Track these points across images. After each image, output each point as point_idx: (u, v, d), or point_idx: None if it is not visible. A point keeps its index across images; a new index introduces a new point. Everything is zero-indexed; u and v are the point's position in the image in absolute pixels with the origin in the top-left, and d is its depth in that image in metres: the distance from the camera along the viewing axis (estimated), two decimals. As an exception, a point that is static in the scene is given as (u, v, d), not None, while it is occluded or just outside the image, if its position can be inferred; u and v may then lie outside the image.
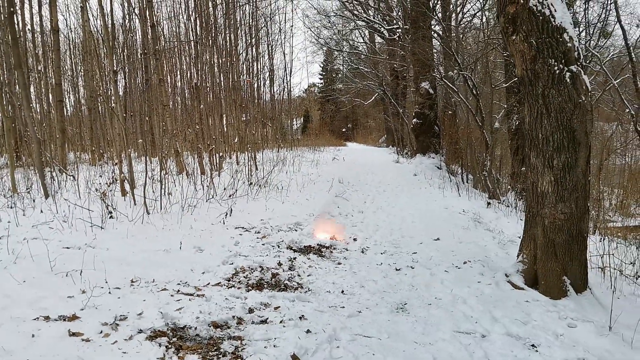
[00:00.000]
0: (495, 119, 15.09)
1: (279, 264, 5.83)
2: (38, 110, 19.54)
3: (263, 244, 6.59)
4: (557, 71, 4.80)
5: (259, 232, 7.22)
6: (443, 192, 11.64)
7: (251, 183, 11.23)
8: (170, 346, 3.45)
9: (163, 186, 8.58)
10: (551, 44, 4.81)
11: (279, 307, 4.37)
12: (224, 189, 10.24)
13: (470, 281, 5.41)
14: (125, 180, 9.40)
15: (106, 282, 4.48)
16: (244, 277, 5.22)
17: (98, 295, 4.20)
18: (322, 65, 50.95)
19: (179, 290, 4.54)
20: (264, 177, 11.72)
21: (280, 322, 4.06)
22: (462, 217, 9.31)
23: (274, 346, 3.59)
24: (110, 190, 9.21)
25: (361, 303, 4.76)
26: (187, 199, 8.44)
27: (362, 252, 6.83)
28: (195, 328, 3.79)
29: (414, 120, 18.24)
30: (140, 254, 5.70)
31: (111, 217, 7.55)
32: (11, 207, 7.85)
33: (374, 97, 34.98)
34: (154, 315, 3.87)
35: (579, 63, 4.90)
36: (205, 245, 6.35)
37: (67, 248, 5.71)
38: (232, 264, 5.62)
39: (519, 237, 8.09)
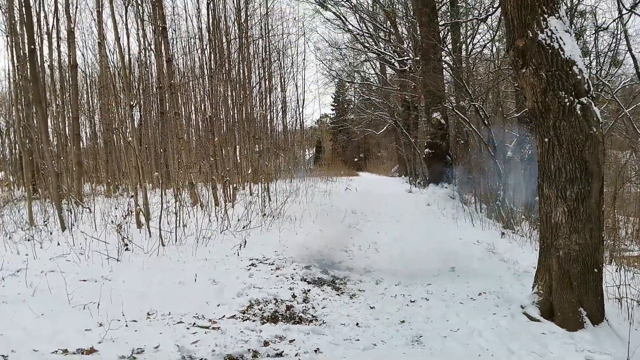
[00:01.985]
0: (508, 148, 15.11)
1: (293, 296, 5.84)
2: (55, 144, 19.89)
3: (277, 276, 6.61)
4: (568, 103, 4.85)
5: (272, 264, 7.24)
6: (457, 222, 11.60)
7: (264, 214, 11.30)
8: (186, 380, 3.47)
9: (178, 218, 8.67)
10: (561, 77, 4.87)
11: (294, 339, 4.38)
12: (238, 220, 10.30)
13: (486, 313, 5.38)
14: (141, 213, 9.51)
15: (123, 315, 4.52)
16: (259, 309, 5.25)
17: (115, 328, 4.24)
18: (333, 97, 51.46)
19: (194, 323, 4.57)
20: (277, 208, 11.78)
21: (296, 355, 4.07)
22: (477, 248, 9.27)
23: (290, 380, 3.60)
24: (126, 223, 9.32)
25: (376, 336, 4.75)
26: (202, 230, 8.50)
27: (377, 283, 6.82)
28: (211, 361, 3.81)
29: (426, 150, 18.29)
30: (156, 286, 5.75)
31: (127, 249, 7.63)
32: (29, 240, 7.97)
33: (385, 127, 35.21)
34: (171, 349, 3.91)
35: (589, 95, 4.96)
36: (220, 277, 6.39)
37: (84, 280, 5.78)
38: (247, 296, 5.65)
39: (534, 268, 8.05)
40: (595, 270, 4.97)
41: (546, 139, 5.00)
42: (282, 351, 4.12)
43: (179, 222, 8.63)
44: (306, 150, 38.23)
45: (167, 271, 6.49)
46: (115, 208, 11.84)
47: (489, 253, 8.90)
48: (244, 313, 5.08)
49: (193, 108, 20.41)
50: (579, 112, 4.85)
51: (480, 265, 7.80)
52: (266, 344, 4.28)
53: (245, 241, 8.32)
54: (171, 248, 7.83)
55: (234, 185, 15.34)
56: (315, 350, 4.18)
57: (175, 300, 5.29)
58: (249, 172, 16.98)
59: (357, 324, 5.08)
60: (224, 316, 4.92)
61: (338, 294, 6.20)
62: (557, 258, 5.03)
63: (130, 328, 4.32)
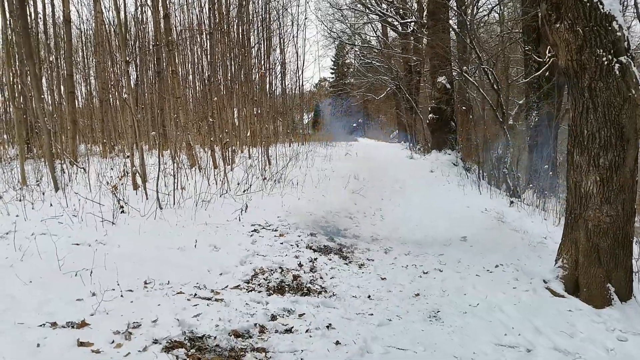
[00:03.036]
0: (509, 116, 14.68)
1: (300, 265, 5.51)
2: (49, 102, 19.33)
3: (281, 243, 6.26)
4: (606, 62, 4.43)
5: (276, 230, 6.89)
6: (463, 190, 11.24)
7: (265, 178, 10.92)
8: (188, 359, 3.13)
9: (176, 180, 8.29)
10: (599, 33, 4.43)
11: (304, 314, 4.05)
12: (238, 184, 9.93)
13: (505, 287, 5.06)
14: (137, 174, 9.12)
15: (118, 284, 4.17)
16: (264, 279, 4.91)
17: (109, 299, 3.89)
18: (333, 60, 50.56)
19: (195, 294, 4.23)
20: (279, 172, 11.38)
21: (307, 331, 3.74)
22: (486, 216, 8.94)
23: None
24: (122, 184, 8.94)
25: (390, 310, 4.43)
26: (201, 193, 8.13)
27: (385, 252, 6.50)
28: (215, 337, 3.47)
29: (430, 115, 17.82)
30: (154, 252, 5.40)
31: (122, 211, 7.30)
32: (20, 200, 7.59)
33: (386, 92, 34.53)
34: (170, 323, 3.56)
35: (628, 54, 4.53)
36: (221, 243, 6.03)
37: (77, 245, 5.43)
38: (251, 264, 5.31)
39: (545, 238, 7.77)
40: (626, 244, 4.63)
41: (580, 102, 4.59)
42: (292, 327, 3.79)
43: (177, 185, 8.25)
44: (304, 114, 37.64)
45: (165, 236, 6.14)
46: (111, 169, 11.46)
47: (498, 222, 8.58)
48: (248, 283, 4.74)
49: (191, 69, 19.81)
50: (617, 72, 4.43)
51: (492, 235, 7.48)
52: (274, 317, 3.95)
53: (247, 206, 7.96)
54: (169, 211, 7.47)
55: (233, 148, 14.93)
56: (328, 326, 3.85)
57: (175, 267, 4.93)
58: (248, 135, 16.51)
59: (369, 296, 4.75)
60: (227, 286, 4.58)
61: (346, 264, 5.86)
62: (586, 230, 4.68)
63: (125, 299, 3.97)
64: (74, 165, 11.10)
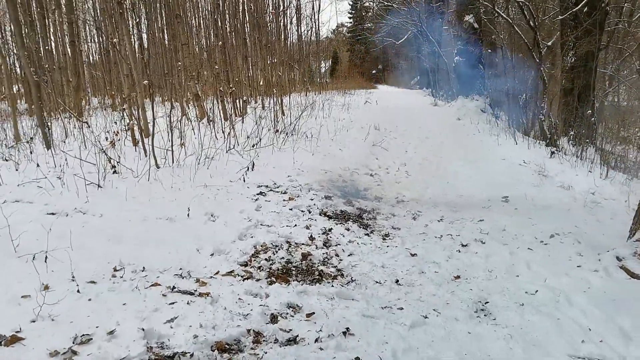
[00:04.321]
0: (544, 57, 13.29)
1: (311, 237, 4.54)
2: (54, 52, 18.28)
3: (290, 209, 5.30)
4: None
5: (285, 193, 5.93)
6: (497, 140, 10.09)
7: (277, 130, 9.91)
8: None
9: (181, 134, 7.36)
10: None
11: (313, 313, 3.10)
12: (248, 137, 8.97)
13: (567, 265, 4.05)
14: (137, 128, 8.20)
15: (73, 276, 3.24)
16: (266, 259, 3.96)
17: (61, 296, 2.99)
18: (351, 3, 48.41)
19: (174, 287, 3.28)
20: (292, 123, 10.34)
21: (316, 340, 2.80)
22: (525, 170, 7.87)
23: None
24: (118, 140, 8.04)
25: (425, 301, 3.47)
26: (204, 149, 7.21)
27: (414, 218, 5.49)
28: (192, 355, 2.55)
29: (456, 58, 16.48)
30: (137, 225, 4.49)
31: (115, 171, 6.43)
32: (7, 160, 6.77)
33: (406, 36, 32.79)
34: (132, 334, 2.64)
35: None
36: (220, 210, 5.10)
37: (52, 214, 4.57)
38: (252, 238, 4.37)
39: (593, 194, 6.71)
40: None
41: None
42: (297, 335, 2.84)
43: (181, 139, 7.33)
44: (322, 62, 36.13)
45: (155, 202, 5.23)
46: (115, 123, 10.49)
47: (540, 177, 7.52)
48: (245, 266, 3.80)
49: (200, 13, 18.52)
50: None
51: (538, 194, 6.42)
52: (274, 319, 3.01)
53: (253, 163, 7.00)
54: (166, 171, 6.57)
55: (245, 97, 13.89)
56: (345, 332, 2.90)
57: (158, 245, 4.02)
58: (261, 83, 15.41)
59: (397, 281, 3.79)
60: (217, 272, 3.64)
61: (367, 234, 4.88)
62: (679, 195, 3.62)
63: (83, 295, 3.05)
64: (79, 120, 10.20)
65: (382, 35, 37.29)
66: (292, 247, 4.26)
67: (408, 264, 4.12)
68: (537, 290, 3.60)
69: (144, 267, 3.56)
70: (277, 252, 4.10)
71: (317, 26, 26.82)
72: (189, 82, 13.06)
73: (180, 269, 3.62)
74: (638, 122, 15.87)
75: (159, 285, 3.29)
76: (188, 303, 3.06)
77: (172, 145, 7.08)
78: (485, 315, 3.28)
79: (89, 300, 3.01)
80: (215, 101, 14.05)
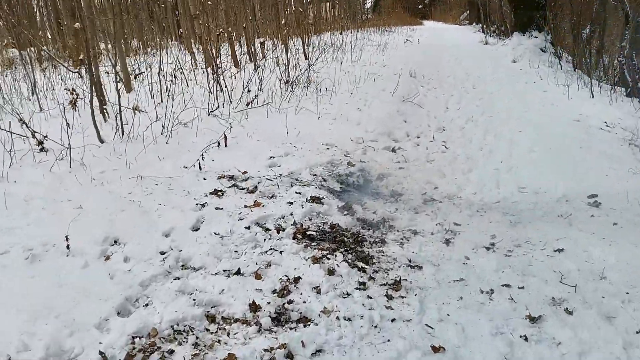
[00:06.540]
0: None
1: (253, 306, 2.55)
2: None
3: (248, 227, 3.33)
4: None
5: (253, 191, 3.94)
6: (567, 91, 7.67)
7: (287, 82, 7.90)
8: None
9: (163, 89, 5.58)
10: None
11: None
12: (249, 90, 7.05)
13: None
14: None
15: None
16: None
17: None
18: None
19: None
20: (305, 70, 8.25)
21: None
22: (610, 138, 5.62)
23: None
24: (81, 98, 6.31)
25: None
26: (184, 110, 5.46)
27: (447, 242, 3.39)
28: None
29: (511, -15, 13.76)
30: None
31: (42, 149, 4.79)
32: None
33: (455, -36, 29.42)
34: None
35: None
36: (132, 233, 3.18)
37: None
38: (146, 306, 2.45)
39: None
40: None
41: None
42: None
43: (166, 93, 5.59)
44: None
45: (45, 213, 3.40)
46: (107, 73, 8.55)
47: (632, 149, 5.30)
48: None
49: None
50: None
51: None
52: None
53: (225, 136, 5.04)
54: (107, 149, 4.79)
55: (262, 39, 11.82)
56: None
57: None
58: (283, 22, 13.22)
59: None
60: None
61: (362, 283, 2.81)
62: None
63: None
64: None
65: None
66: (209, 332, 2.32)
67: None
68: None
69: None
70: (171, 354, 2.17)
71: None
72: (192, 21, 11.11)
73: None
74: None
75: None
76: None
77: (120, 111, 5.21)
78: None
79: None
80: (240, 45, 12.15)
